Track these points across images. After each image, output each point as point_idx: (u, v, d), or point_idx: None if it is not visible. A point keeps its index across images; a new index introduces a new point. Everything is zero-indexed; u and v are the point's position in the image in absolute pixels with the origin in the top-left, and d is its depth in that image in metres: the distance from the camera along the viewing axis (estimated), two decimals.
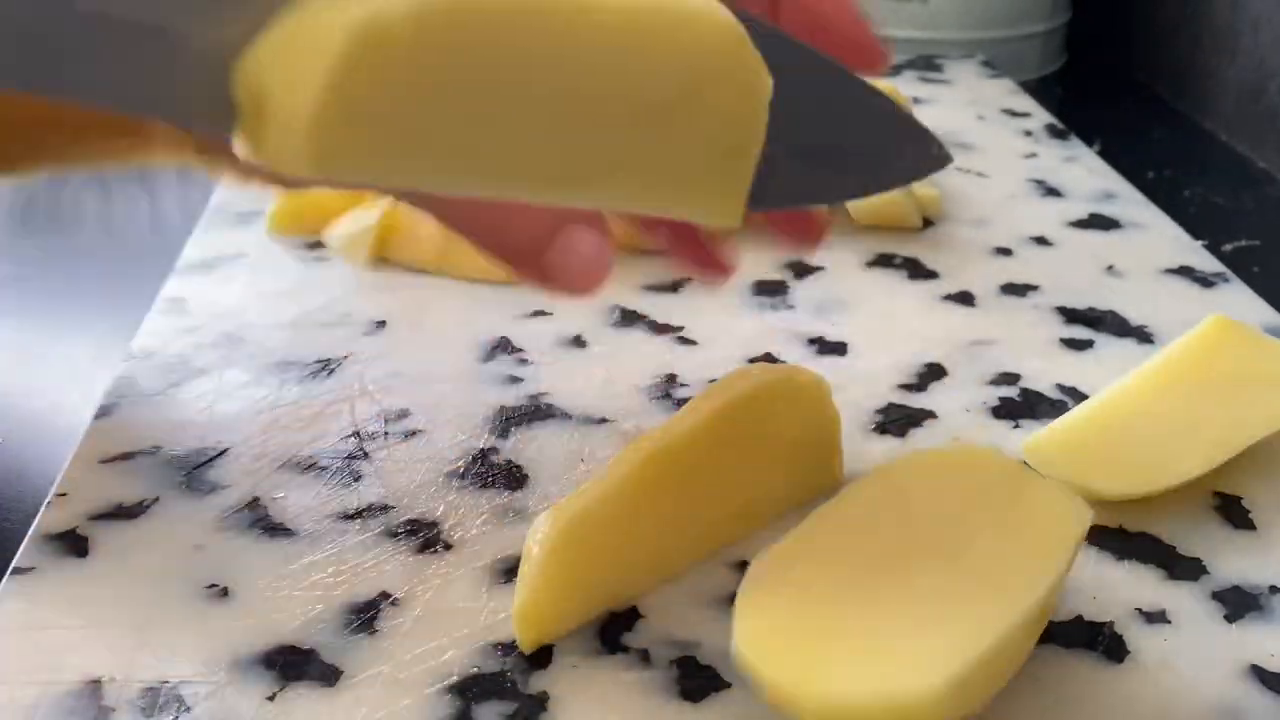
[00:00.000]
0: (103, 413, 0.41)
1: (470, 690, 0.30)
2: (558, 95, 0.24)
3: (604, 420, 0.40)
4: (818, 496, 0.33)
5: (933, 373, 0.43)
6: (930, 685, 0.25)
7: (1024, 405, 0.41)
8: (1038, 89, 0.80)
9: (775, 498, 0.35)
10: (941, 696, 0.25)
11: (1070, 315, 0.47)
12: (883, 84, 0.64)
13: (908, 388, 0.42)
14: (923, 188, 0.57)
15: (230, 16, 0.22)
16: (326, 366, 0.44)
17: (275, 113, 0.22)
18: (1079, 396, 0.41)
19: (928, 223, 0.55)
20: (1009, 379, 0.43)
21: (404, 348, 0.45)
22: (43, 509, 0.36)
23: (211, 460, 0.38)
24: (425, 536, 0.35)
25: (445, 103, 0.23)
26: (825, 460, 0.37)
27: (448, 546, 0.34)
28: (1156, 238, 0.54)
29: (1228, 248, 0.58)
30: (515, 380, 0.43)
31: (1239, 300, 0.48)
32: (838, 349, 0.45)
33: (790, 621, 0.27)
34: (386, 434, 0.40)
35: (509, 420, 0.40)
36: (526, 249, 0.29)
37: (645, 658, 0.31)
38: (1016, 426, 0.40)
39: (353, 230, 0.52)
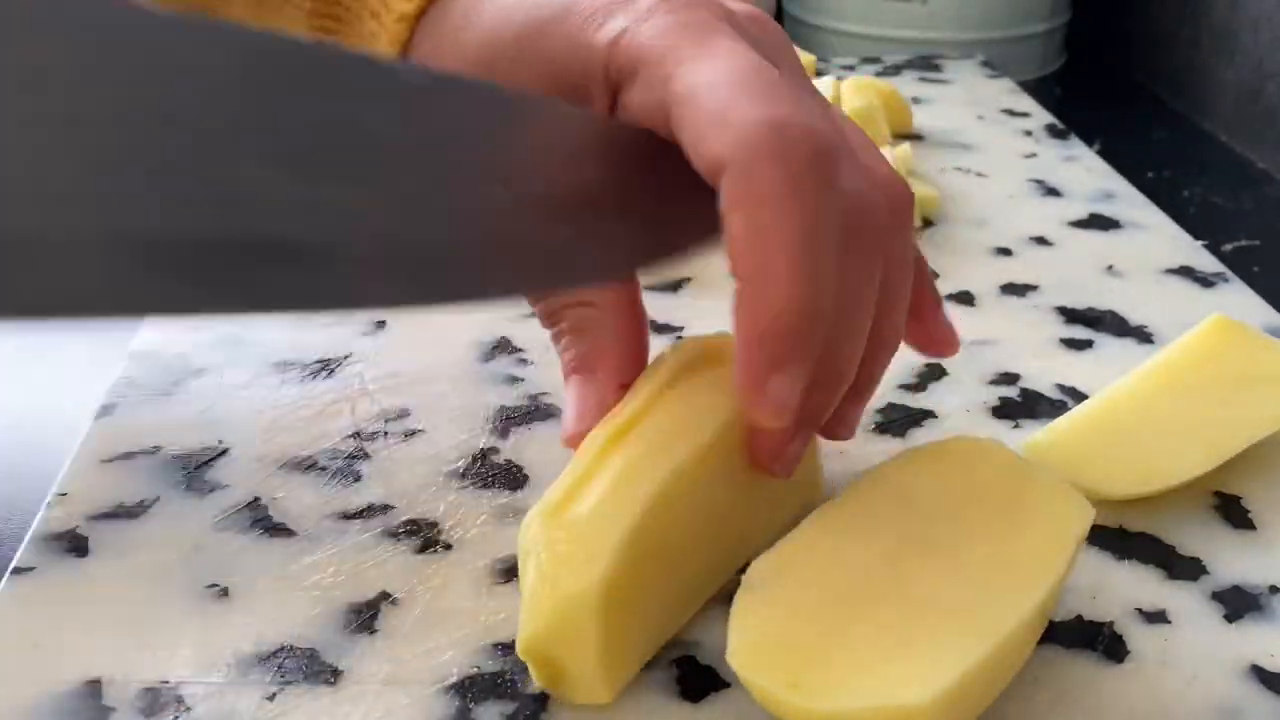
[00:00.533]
0: (103, 413, 0.41)
1: (470, 690, 0.30)
2: (716, 534, 0.31)
3: None
4: (804, 511, 0.32)
5: (933, 373, 0.43)
6: (922, 699, 0.25)
7: (1024, 405, 0.41)
8: (1038, 89, 0.80)
9: (765, 523, 0.33)
10: (933, 710, 0.25)
11: (1070, 315, 0.47)
12: (882, 85, 0.64)
13: (908, 388, 0.42)
14: (923, 188, 0.57)
15: None
16: (326, 366, 0.44)
17: (568, 680, 0.29)
18: (1079, 396, 0.41)
19: (928, 223, 0.55)
20: (1009, 379, 0.43)
21: (404, 348, 0.45)
22: (43, 509, 0.36)
23: (211, 460, 0.38)
24: (425, 536, 0.35)
25: (655, 590, 0.30)
26: (809, 475, 0.35)
27: (448, 546, 0.34)
28: (1156, 238, 0.54)
29: (1228, 248, 0.58)
30: (515, 380, 0.43)
31: (1239, 300, 0.48)
32: None
33: (784, 630, 0.27)
34: (386, 434, 0.40)
35: (509, 420, 0.40)
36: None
37: None
38: (1016, 426, 0.40)
39: None
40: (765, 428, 0.28)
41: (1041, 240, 0.54)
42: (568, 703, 0.29)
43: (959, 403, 0.42)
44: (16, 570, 0.34)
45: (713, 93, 0.27)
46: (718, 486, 0.31)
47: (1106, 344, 0.45)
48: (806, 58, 0.67)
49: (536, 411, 0.41)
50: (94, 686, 0.30)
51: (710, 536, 0.31)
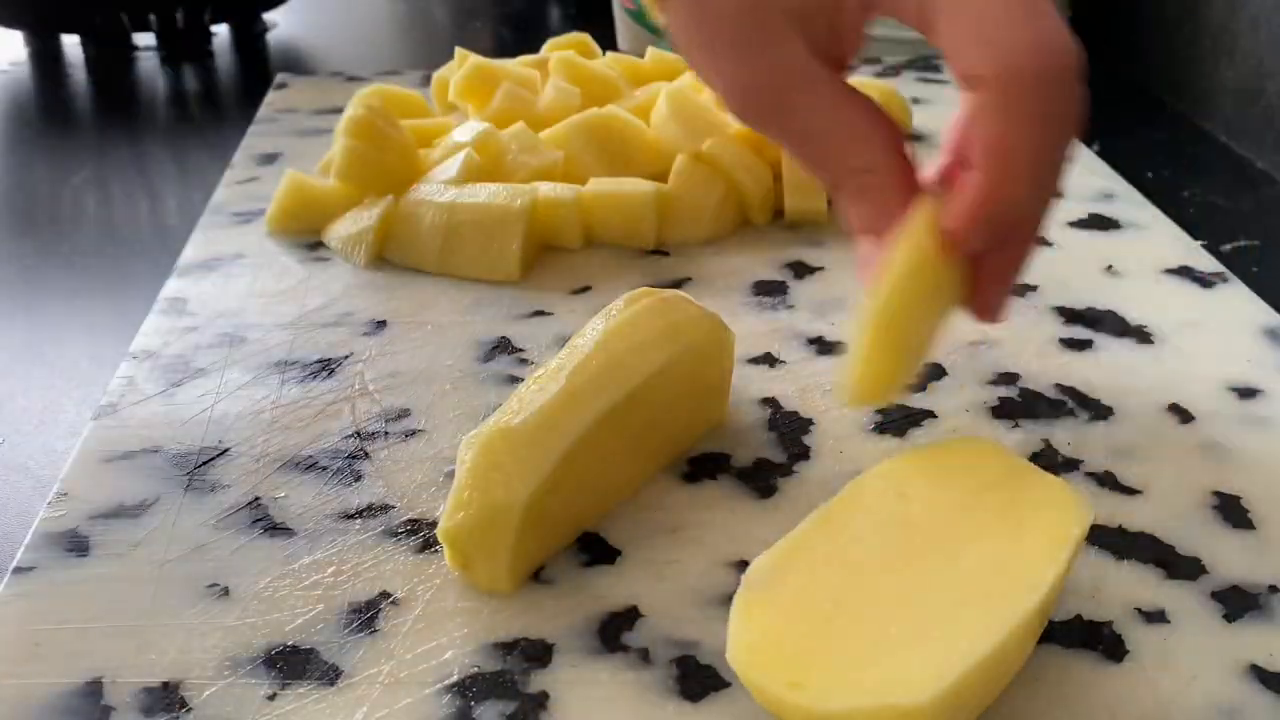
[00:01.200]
0: (103, 413, 0.41)
1: (470, 690, 0.30)
2: (632, 456, 0.36)
3: None
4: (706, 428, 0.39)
5: (933, 373, 0.43)
6: (921, 699, 0.25)
7: (1023, 405, 0.41)
8: None
9: (675, 442, 0.38)
10: (933, 710, 0.25)
11: (1070, 315, 0.47)
12: (882, 85, 0.64)
13: (907, 388, 0.42)
14: None
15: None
16: (326, 366, 0.44)
17: (479, 570, 0.33)
18: (1078, 396, 0.42)
19: None
20: (1008, 379, 0.43)
21: (404, 348, 0.45)
22: (43, 509, 0.36)
23: (211, 460, 0.38)
24: (425, 536, 0.35)
25: (570, 506, 0.34)
26: (717, 398, 0.40)
27: None
28: (1156, 238, 0.54)
29: (1227, 248, 0.58)
30: (515, 380, 0.43)
31: (1238, 300, 0.49)
32: (838, 349, 0.45)
33: (784, 630, 0.27)
34: (386, 434, 0.40)
35: None
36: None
37: (645, 657, 0.31)
38: (1016, 426, 0.40)
39: (353, 230, 0.52)
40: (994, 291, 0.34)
41: (1041, 240, 0.54)
42: (473, 587, 0.33)
43: (959, 403, 0.42)
44: (17, 570, 0.34)
45: (977, 8, 0.29)
46: (639, 422, 0.36)
47: (1106, 344, 0.45)
48: None
49: None
50: (94, 686, 0.30)
51: (627, 458, 0.36)
